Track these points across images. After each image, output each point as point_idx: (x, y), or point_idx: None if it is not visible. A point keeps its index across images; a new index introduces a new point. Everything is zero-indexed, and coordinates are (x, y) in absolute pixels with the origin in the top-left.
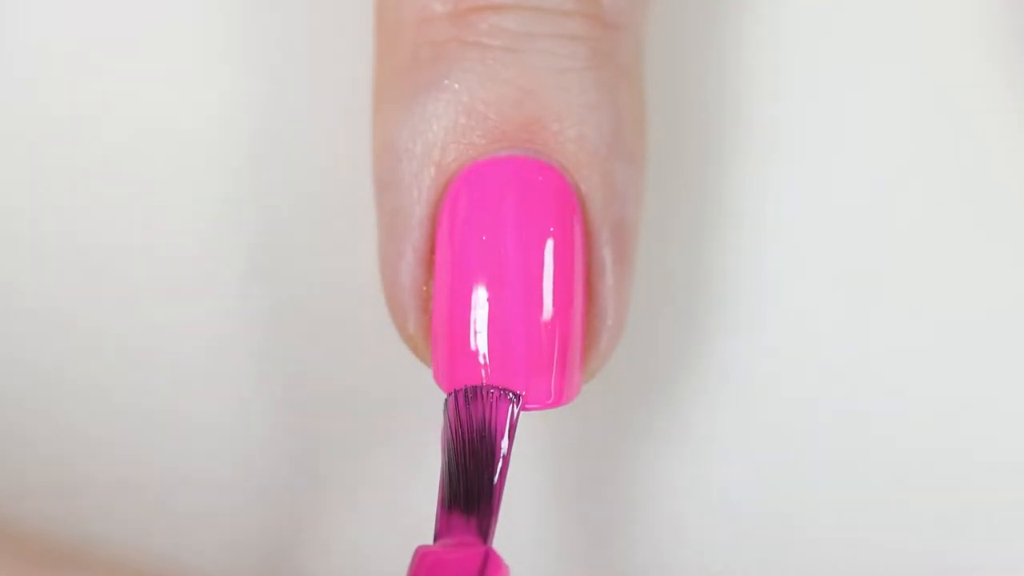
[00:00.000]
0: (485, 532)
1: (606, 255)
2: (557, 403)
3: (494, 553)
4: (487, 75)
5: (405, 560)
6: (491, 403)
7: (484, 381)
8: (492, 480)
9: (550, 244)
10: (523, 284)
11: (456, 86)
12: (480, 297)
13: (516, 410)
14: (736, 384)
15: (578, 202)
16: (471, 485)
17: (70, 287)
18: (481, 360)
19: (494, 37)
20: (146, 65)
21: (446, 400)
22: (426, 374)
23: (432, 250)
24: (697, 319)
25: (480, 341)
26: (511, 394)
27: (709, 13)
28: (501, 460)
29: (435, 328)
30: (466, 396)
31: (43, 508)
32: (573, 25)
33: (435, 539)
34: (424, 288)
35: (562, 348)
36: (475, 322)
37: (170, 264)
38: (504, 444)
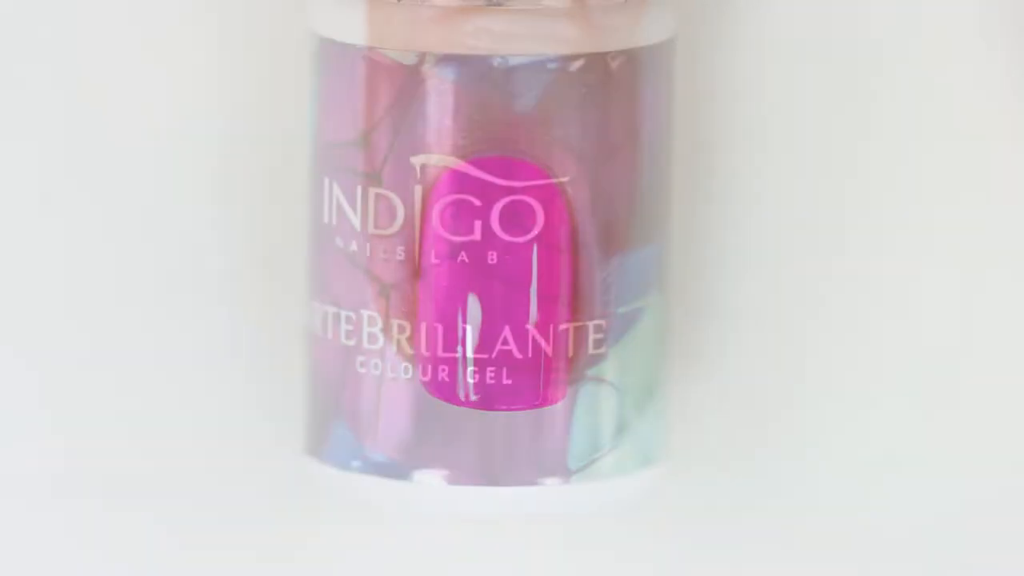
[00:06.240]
0: None
1: (594, 255)
2: (544, 404)
3: None
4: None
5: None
6: None
7: (470, 384)
8: None
9: (536, 245)
10: (509, 286)
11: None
12: (466, 300)
13: None
14: (733, 384)
15: (565, 203)
16: None
17: (65, 285)
18: (467, 363)
19: (480, 39)
20: (141, 69)
21: None
22: None
23: (419, 252)
24: (698, 319)
25: (466, 344)
26: None
27: (710, 16)
28: None
29: (420, 331)
30: None
31: (45, 504)
32: (561, 27)
33: None
34: (411, 290)
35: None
36: (461, 325)
37: (165, 266)
38: None
